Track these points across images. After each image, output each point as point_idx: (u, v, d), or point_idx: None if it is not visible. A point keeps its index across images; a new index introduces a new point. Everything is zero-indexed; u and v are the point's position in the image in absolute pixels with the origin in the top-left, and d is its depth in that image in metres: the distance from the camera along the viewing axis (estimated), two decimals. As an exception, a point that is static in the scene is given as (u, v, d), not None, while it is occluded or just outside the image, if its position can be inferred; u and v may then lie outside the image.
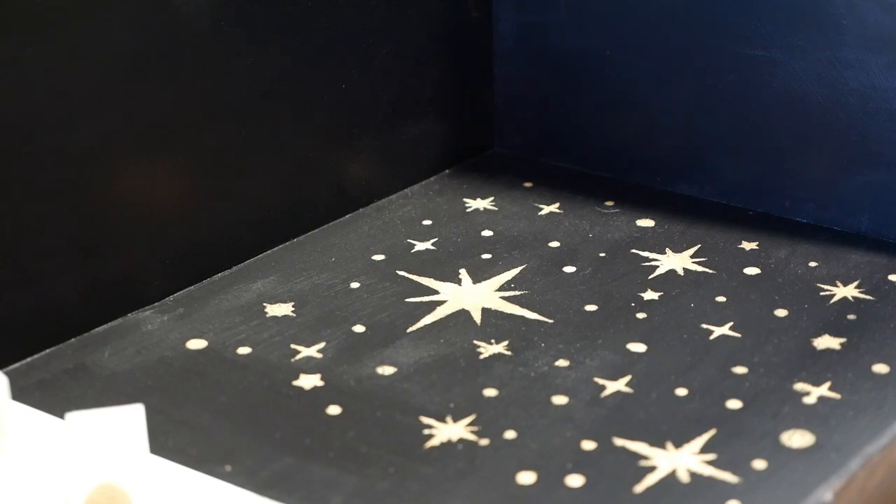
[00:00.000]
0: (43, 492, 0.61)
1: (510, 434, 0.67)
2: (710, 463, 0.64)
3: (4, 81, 0.71)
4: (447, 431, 0.67)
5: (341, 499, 0.62)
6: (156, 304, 0.79)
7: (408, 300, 0.79)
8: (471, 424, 0.67)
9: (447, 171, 0.97)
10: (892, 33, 0.82)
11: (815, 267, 0.81)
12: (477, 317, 0.77)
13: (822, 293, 0.79)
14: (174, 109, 0.79)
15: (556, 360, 0.73)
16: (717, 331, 0.75)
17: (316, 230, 0.88)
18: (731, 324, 0.75)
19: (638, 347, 0.74)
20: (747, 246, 0.84)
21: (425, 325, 0.76)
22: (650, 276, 0.81)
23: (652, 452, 0.65)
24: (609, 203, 0.91)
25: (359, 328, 0.76)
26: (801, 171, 0.88)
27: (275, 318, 0.77)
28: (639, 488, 0.62)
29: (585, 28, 0.93)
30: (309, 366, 0.73)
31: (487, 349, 0.74)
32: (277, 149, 0.85)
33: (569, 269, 0.82)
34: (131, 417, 0.58)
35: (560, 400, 0.69)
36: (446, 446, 0.66)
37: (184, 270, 0.81)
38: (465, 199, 0.92)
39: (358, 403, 0.69)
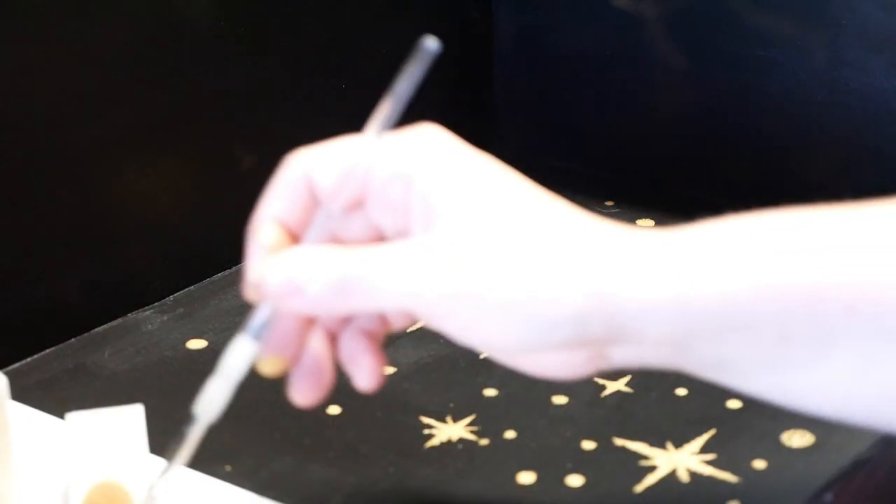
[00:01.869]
0: (43, 492, 0.60)
1: (510, 434, 0.67)
2: (710, 463, 0.64)
3: (4, 81, 0.71)
4: (447, 431, 0.67)
5: (341, 499, 0.62)
6: (156, 304, 0.79)
7: (408, 300, 0.79)
8: (471, 424, 0.67)
9: (447, 171, 0.96)
10: (892, 33, 0.82)
11: (815, 267, 0.81)
12: (477, 317, 0.77)
13: (822, 293, 0.78)
14: (174, 109, 0.79)
15: (556, 360, 0.72)
16: (717, 331, 0.75)
17: (316, 230, 0.88)
18: (731, 324, 0.75)
19: (638, 347, 0.73)
20: (747, 246, 0.84)
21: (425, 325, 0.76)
22: (650, 276, 0.81)
23: (652, 452, 0.65)
24: (609, 203, 0.91)
25: (359, 328, 0.76)
26: (802, 170, 0.88)
27: (275, 318, 0.77)
28: (639, 488, 0.62)
29: (585, 28, 0.93)
30: (309, 366, 0.72)
31: (487, 349, 0.74)
32: (277, 149, 0.85)
33: (569, 269, 0.82)
34: (131, 417, 0.58)
35: (560, 400, 0.69)
36: (446, 446, 0.66)
37: (184, 270, 0.81)
38: (465, 199, 0.92)
39: (358, 403, 0.69)
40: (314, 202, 0.54)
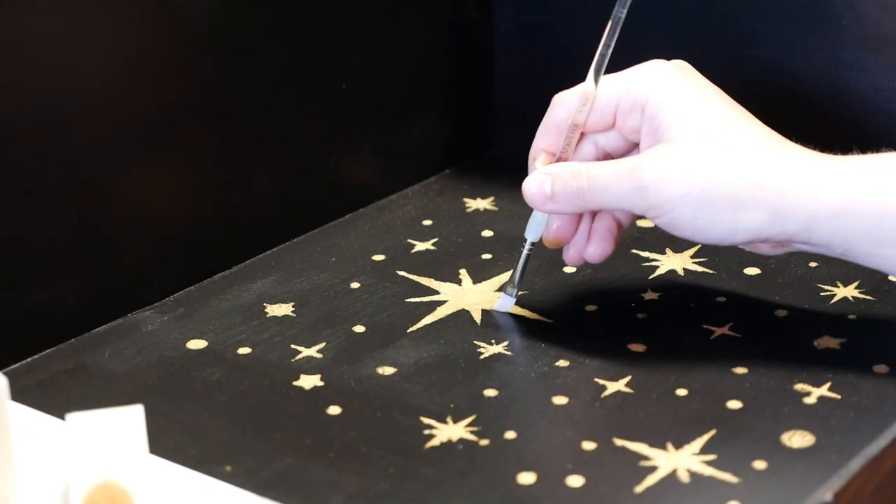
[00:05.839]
0: (43, 492, 0.61)
1: (510, 434, 0.67)
2: (710, 463, 0.64)
3: (4, 81, 0.71)
4: (447, 431, 0.67)
5: (341, 499, 0.62)
6: (156, 304, 0.79)
7: (408, 300, 0.79)
8: (471, 424, 0.67)
9: (447, 171, 0.97)
10: (892, 33, 0.82)
11: (815, 267, 0.81)
12: (477, 317, 0.77)
13: (822, 293, 0.79)
14: (174, 109, 0.79)
15: (556, 360, 0.73)
16: (717, 331, 0.75)
17: (316, 230, 0.88)
18: (731, 324, 0.75)
19: (638, 347, 0.74)
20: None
21: (425, 325, 0.76)
22: (650, 276, 0.81)
23: (652, 452, 0.65)
24: (609, 203, 0.90)
25: (359, 328, 0.76)
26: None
27: (275, 318, 0.77)
28: (639, 488, 0.62)
29: (585, 28, 0.93)
30: (309, 366, 0.73)
31: (487, 349, 0.74)
32: (277, 149, 0.86)
33: (569, 269, 0.82)
34: (131, 417, 0.58)
35: (560, 400, 0.69)
36: (446, 446, 0.66)
37: (184, 270, 0.81)
38: (465, 199, 0.92)
39: (358, 403, 0.69)
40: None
